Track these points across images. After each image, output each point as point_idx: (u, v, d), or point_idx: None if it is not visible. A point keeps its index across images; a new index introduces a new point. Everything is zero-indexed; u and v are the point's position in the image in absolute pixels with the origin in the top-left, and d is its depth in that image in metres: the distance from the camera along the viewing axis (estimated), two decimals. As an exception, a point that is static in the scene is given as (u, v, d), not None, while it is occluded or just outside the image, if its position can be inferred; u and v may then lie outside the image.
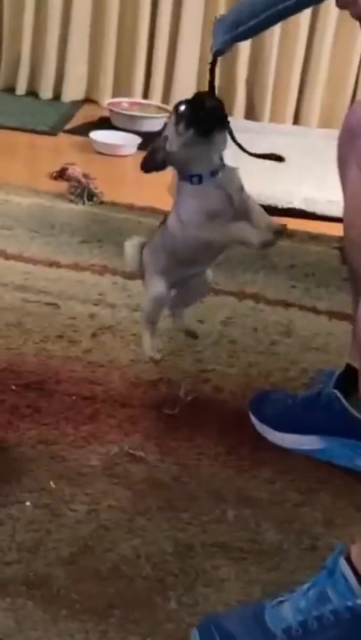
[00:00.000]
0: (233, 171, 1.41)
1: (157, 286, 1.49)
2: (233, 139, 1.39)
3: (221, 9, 3.31)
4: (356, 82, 3.42)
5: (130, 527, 1.27)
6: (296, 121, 3.44)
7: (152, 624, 1.11)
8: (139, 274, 1.57)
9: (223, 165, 1.40)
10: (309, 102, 3.41)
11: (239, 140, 1.39)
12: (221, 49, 1.32)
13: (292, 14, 1.25)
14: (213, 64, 1.36)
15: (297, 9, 1.24)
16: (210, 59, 1.38)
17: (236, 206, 1.39)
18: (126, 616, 1.12)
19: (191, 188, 1.40)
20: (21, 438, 1.43)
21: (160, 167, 1.41)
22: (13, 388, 1.57)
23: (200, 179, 1.38)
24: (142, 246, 1.54)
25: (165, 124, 1.41)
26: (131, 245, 1.56)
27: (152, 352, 1.53)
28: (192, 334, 1.65)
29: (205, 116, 1.35)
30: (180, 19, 3.34)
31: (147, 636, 1.09)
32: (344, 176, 1.40)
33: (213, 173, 1.38)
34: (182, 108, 1.36)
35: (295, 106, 3.44)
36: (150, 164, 1.41)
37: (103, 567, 1.19)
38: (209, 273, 1.57)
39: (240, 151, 1.39)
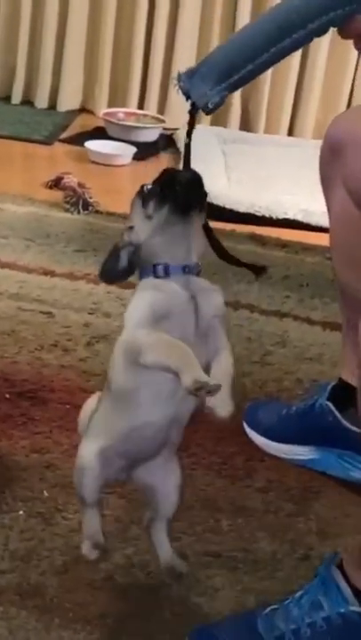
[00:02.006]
0: (214, 292, 1.09)
1: (83, 449, 1.12)
2: (209, 234, 1.12)
3: (217, 19, 3.33)
4: (351, 93, 3.43)
5: (124, 536, 1.27)
6: (291, 132, 3.46)
7: (145, 633, 1.11)
8: None
9: (199, 270, 1.09)
10: (304, 114, 3.42)
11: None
12: (220, 102, 1.07)
13: (289, 54, 1.08)
14: (192, 124, 1.11)
15: (293, 48, 1.07)
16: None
17: (203, 327, 1.05)
18: (119, 625, 1.12)
19: (150, 281, 1.07)
20: (15, 447, 1.43)
21: (123, 274, 1.11)
22: (7, 396, 1.57)
23: (166, 270, 1.06)
24: None
25: (131, 215, 1.11)
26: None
27: (87, 549, 1.12)
28: (178, 576, 1.18)
29: (182, 190, 1.06)
30: (176, 29, 3.35)
31: (140, 646, 1.09)
32: (328, 193, 1.39)
33: (186, 269, 1.06)
34: (150, 186, 1.09)
35: (290, 117, 3.45)
36: (110, 272, 1.11)
37: (97, 576, 1.19)
38: (176, 469, 1.14)
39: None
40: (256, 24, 1.11)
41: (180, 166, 1.12)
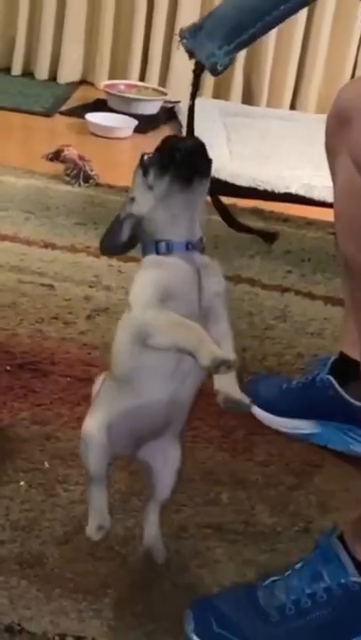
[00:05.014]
0: (215, 268, 1.05)
1: (88, 424, 1.08)
2: (216, 200, 1.08)
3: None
4: (354, 67, 3.41)
5: (124, 508, 1.27)
6: (293, 106, 3.43)
7: (146, 604, 1.12)
8: None
9: (203, 247, 1.04)
10: (307, 88, 3.40)
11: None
12: (229, 63, 1.01)
13: (298, 11, 1.03)
14: (196, 85, 1.05)
15: (303, 4, 1.03)
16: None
17: (204, 305, 1.02)
18: (120, 596, 1.12)
19: (153, 259, 1.03)
20: (15, 418, 1.43)
21: (125, 247, 1.07)
22: (8, 368, 1.56)
23: (168, 246, 1.02)
24: None
25: (132, 186, 1.06)
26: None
27: (92, 530, 1.10)
28: (154, 561, 1.17)
29: (183, 157, 1.00)
30: (178, 0, 3.32)
31: (141, 616, 1.10)
32: (334, 164, 1.38)
33: (189, 246, 1.02)
34: (151, 154, 1.04)
35: (292, 91, 3.42)
36: (111, 244, 1.07)
37: (97, 547, 1.19)
38: (176, 456, 1.12)
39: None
40: None
41: (184, 133, 1.09)
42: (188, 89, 1.09)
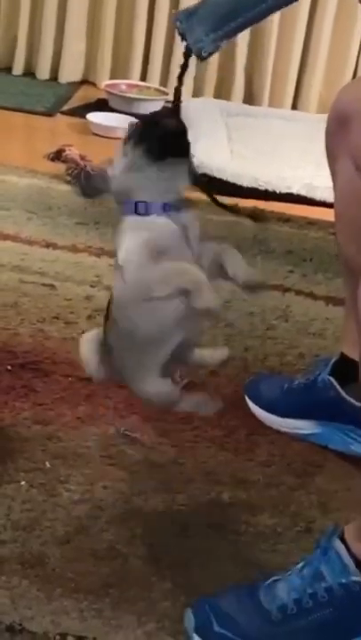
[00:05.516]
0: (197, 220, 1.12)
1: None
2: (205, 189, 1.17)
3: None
4: (356, 67, 3.41)
5: (125, 508, 1.27)
6: (295, 106, 3.43)
7: (147, 603, 1.12)
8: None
9: (182, 206, 1.10)
10: (308, 88, 3.39)
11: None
12: (213, 51, 1.04)
13: (290, 3, 1.05)
14: (184, 69, 1.08)
15: None
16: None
17: (197, 253, 1.09)
18: (121, 595, 1.12)
19: (135, 220, 1.08)
20: (17, 418, 1.43)
21: (94, 192, 1.13)
22: (9, 368, 1.56)
23: (147, 207, 1.07)
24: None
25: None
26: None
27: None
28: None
29: (160, 136, 1.07)
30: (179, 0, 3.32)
31: (142, 615, 1.10)
32: (334, 165, 1.39)
33: (167, 208, 1.08)
34: (135, 125, 1.11)
35: (294, 91, 3.42)
36: (85, 188, 1.14)
37: (98, 547, 1.20)
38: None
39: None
40: None
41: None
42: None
